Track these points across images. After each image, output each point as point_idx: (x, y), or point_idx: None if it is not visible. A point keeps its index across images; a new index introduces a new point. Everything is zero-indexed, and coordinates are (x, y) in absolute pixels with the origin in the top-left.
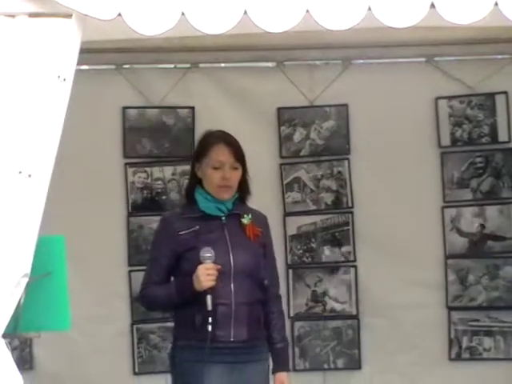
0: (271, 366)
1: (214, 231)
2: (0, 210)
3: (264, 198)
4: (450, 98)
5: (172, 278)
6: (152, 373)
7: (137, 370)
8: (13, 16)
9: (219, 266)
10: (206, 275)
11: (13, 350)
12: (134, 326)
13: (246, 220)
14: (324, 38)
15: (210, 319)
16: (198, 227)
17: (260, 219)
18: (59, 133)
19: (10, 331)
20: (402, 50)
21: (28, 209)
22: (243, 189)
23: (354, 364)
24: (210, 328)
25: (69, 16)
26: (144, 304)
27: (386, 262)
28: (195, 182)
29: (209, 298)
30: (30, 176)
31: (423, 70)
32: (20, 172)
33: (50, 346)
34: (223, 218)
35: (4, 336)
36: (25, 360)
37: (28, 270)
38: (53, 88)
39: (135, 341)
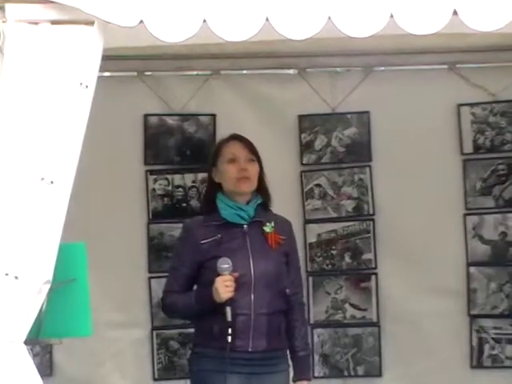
0: (291, 376)
1: (236, 240)
2: (22, 217)
3: (284, 205)
4: (472, 105)
5: (195, 287)
6: (172, 379)
7: (156, 376)
8: (36, 23)
9: (237, 275)
10: (224, 287)
11: (34, 356)
12: (154, 332)
13: (268, 228)
14: (346, 44)
15: (230, 330)
16: (219, 236)
17: (284, 226)
18: (81, 140)
19: (32, 337)
20: (424, 56)
21: (50, 215)
22: (262, 189)
23: (375, 371)
24: (229, 339)
25: (91, 23)
26: (165, 312)
27: (407, 269)
28: (214, 188)
29: (228, 310)
30: (52, 183)
31: (445, 77)
32: (42, 179)
33: (70, 352)
34: (245, 226)
35: (26, 342)
36: (45, 366)
37: (50, 276)
38: (75, 95)
39: (155, 347)
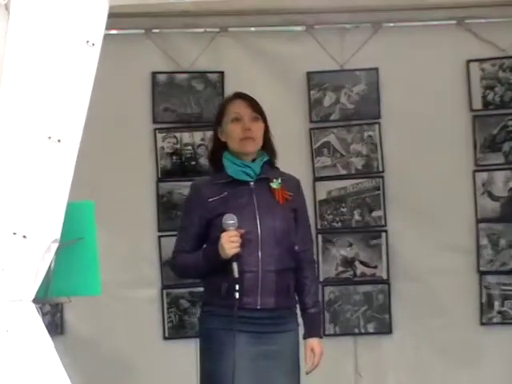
0: (301, 334)
1: (243, 197)
2: (30, 176)
3: (293, 162)
4: (481, 60)
5: (204, 246)
6: (182, 337)
7: (167, 335)
8: None
9: (243, 231)
10: (229, 242)
11: (44, 315)
12: (164, 292)
13: (275, 184)
14: (354, 1)
15: (237, 287)
16: (226, 193)
17: (291, 183)
18: (88, 98)
19: (41, 296)
20: (433, 12)
21: (57, 174)
22: (268, 147)
23: (385, 328)
24: (237, 295)
25: None
26: (175, 272)
27: (417, 226)
28: (219, 147)
29: (235, 266)
30: (59, 141)
31: (454, 33)
32: (49, 137)
33: (80, 311)
34: (251, 184)
35: (35, 301)
36: (56, 325)
37: (58, 235)
38: (81, 53)
39: (165, 306)
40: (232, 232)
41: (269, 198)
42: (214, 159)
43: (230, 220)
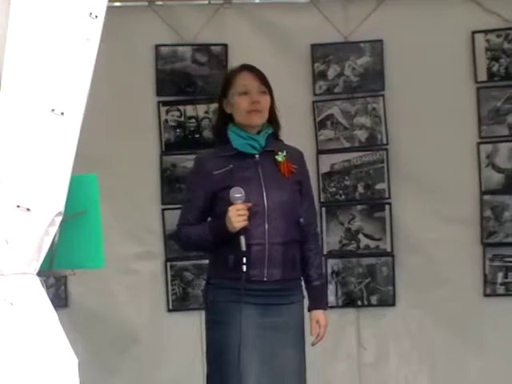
0: (306, 306)
1: (248, 169)
2: (33, 149)
3: (296, 135)
4: (486, 31)
5: (209, 219)
6: (186, 310)
7: (171, 307)
8: None
9: (250, 205)
10: (237, 216)
11: (48, 288)
12: (168, 264)
13: (280, 157)
14: None
15: (245, 259)
16: (231, 166)
17: (295, 156)
18: (91, 70)
19: (45, 269)
20: None
21: (61, 147)
22: (273, 120)
23: (388, 301)
24: (244, 268)
25: None
26: (180, 245)
27: (420, 198)
28: (224, 119)
29: (242, 239)
30: (62, 114)
31: (459, 4)
32: (52, 110)
33: (84, 283)
34: (257, 156)
35: (39, 274)
36: (60, 298)
37: (62, 208)
38: (84, 25)
39: (169, 278)
40: (239, 205)
41: (274, 170)
42: (218, 131)
43: (237, 193)
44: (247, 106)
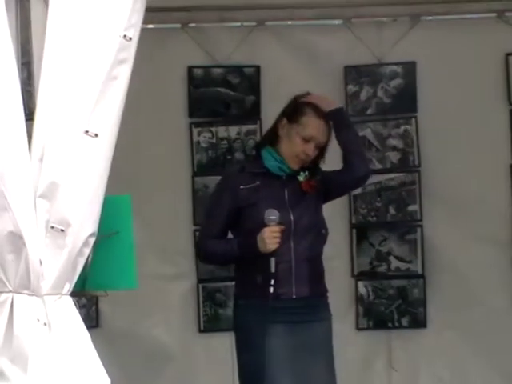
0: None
1: (274, 189)
2: (67, 170)
3: (329, 157)
4: None
5: (229, 234)
6: (217, 331)
7: (202, 328)
8: None
9: (284, 227)
10: (272, 238)
11: (80, 308)
12: (200, 285)
13: (301, 177)
14: None
15: (273, 281)
16: (258, 183)
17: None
18: (125, 92)
19: (78, 290)
20: (472, 5)
21: (94, 168)
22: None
23: (420, 323)
24: (272, 290)
25: None
26: (200, 256)
27: (453, 220)
28: (271, 136)
29: (272, 261)
30: (96, 136)
31: (493, 26)
32: (86, 132)
33: (116, 303)
34: (284, 177)
35: (72, 294)
36: (91, 317)
37: (95, 229)
38: (118, 47)
39: (201, 299)
40: (275, 228)
41: (298, 189)
42: (257, 145)
43: (272, 215)
44: (299, 152)
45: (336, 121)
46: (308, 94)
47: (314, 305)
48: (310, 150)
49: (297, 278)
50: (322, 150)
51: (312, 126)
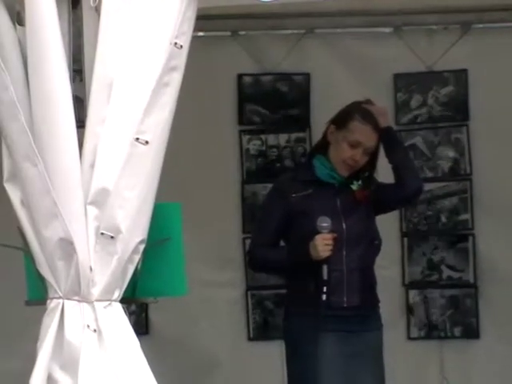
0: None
1: (326, 197)
2: (117, 177)
3: (379, 165)
4: None
5: (281, 242)
6: (267, 339)
7: (251, 336)
8: None
9: (336, 235)
10: (324, 245)
11: (130, 314)
12: (249, 293)
13: (355, 186)
14: (442, 1)
15: (325, 288)
16: (310, 191)
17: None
18: (175, 99)
19: (128, 296)
20: None
21: (145, 175)
22: (373, 166)
23: (472, 333)
24: (324, 297)
25: None
26: (251, 264)
27: (505, 229)
28: (323, 143)
29: (325, 268)
30: (147, 143)
31: None
32: (137, 139)
33: (165, 311)
34: (336, 185)
35: (122, 301)
36: (141, 324)
37: (145, 236)
38: (169, 55)
39: (250, 307)
40: (327, 235)
41: (351, 198)
42: (309, 153)
43: (324, 223)
44: (347, 158)
45: (387, 140)
46: (369, 101)
47: (365, 314)
48: (358, 156)
49: (348, 287)
50: (372, 157)
51: (359, 131)
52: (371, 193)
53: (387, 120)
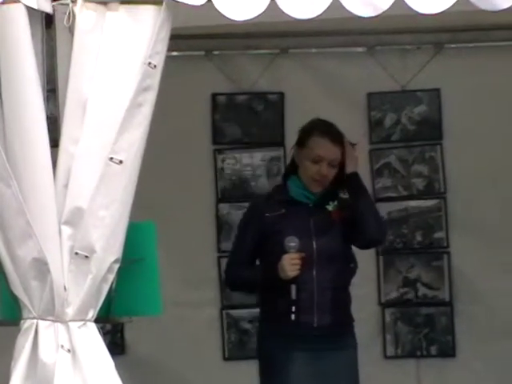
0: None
1: (300, 216)
2: (91, 196)
3: None
4: None
5: (257, 261)
6: (242, 358)
7: (227, 356)
8: (105, 3)
9: (303, 255)
10: (290, 265)
11: (105, 334)
12: (224, 312)
13: (330, 207)
14: (416, 22)
15: (294, 308)
16: (284, 211)
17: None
18: (149, 119)
19: (103, 316)
20: (496, 33)
21: (119, 195)
22: (342, 178)
23: (448, 351)
24: (293, 317)
25: (159, 3)
26: (227, 283)
27: (480, 247)
28: (293, 165)
29: (293, 288)
30: (121, 162)
31: None
32: (111, 158)
33: (141, 330)
34: (310, 205)
35: (97, 321)
36: (116, 344)
37: (119, 255)
38: (143, 75)
39: (225, 326)
40: (294, 255)
41: (325, 217)
42: (283, 175)
43: (292, 242)
44: (313, 174)
45: (351, 185)
46: (350, 142)
47: (338, 333)
48: (324, 170)
49: (318, 307)
50: (340, 168)
51: (318, 146)
52: (347, 214)
53: (356, 165)
